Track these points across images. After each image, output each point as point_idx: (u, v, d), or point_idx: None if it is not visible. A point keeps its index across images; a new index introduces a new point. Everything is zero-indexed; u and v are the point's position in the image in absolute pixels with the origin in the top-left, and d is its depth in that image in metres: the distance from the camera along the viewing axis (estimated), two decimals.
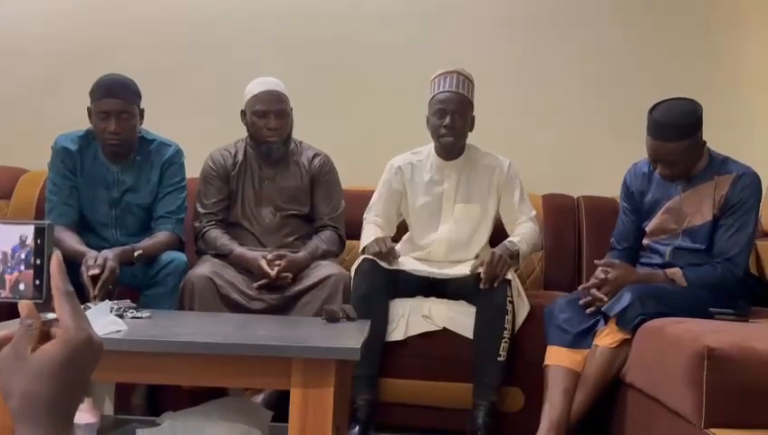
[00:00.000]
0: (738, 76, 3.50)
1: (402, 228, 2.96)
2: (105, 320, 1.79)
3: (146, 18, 3.57)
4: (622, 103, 3.43)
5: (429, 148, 2.89)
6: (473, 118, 2.83)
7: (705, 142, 2.49)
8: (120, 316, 1.99)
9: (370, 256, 2.69)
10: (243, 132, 2.95)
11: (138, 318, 2.05)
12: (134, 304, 2.16)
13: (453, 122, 2.74)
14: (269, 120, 2.79)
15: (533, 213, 2.85)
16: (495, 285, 2.56)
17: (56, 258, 0.83)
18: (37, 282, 0.84)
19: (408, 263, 2.75)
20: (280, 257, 2.67)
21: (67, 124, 2.83)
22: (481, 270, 2.58)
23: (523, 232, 2.77)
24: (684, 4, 3.53)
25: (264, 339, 1.83)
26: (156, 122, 2.88)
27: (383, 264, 2.66)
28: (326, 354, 1.74)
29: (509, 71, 3.56)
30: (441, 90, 2.76)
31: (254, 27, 3.57)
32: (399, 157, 2.93)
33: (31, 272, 0.84)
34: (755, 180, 2.49)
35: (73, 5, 3.57)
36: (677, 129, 2.40)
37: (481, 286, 2.56)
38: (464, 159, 2.85)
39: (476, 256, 2.75)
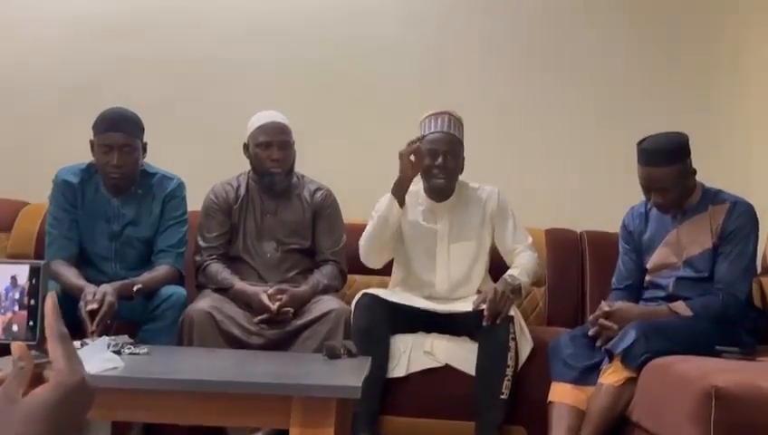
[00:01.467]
0: (737, 115, 3.50)
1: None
2: (102, 357, 1.77)
3: (149, 51, 3.58)
4: (625, 137, 3.38)
5: (419, 187, 2.86)
6: (463, 159, 2.81)
7: (695, 171, 2.54)
8: (118, 352, 1.96)
9: (370, 292, 2.66)
10: (245, 166, 2.94)
11: (135, 354, 2.02)
12: (132, 340, 2.14)
13: (445, 163, 2.73)
14: (272, 151, 2.79)
15: (530, 240, 2.83)
16: (498, 321, 2.53)
17: (51, 299, 0.81)
18: (31, 323, 0.82)
19: (409, 298, 2.72)
20: (281, 292, 2.65)
21: (70, 156, 2.83)
22: (483, 307, 2.55)
23: (522, 262, 2.75)
24: (687, 38, 3.54)
25: (264, 377, 1.81)
26: (158, 155, 2.88)
27: (377, 293, 2.62)
28: (326, 392, 1.71)
29: (511, 105, 3.56)
30: (432, 130, 2.76)
31: (256, 60, 3.58)
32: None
33: (25, 313, 0.82)
34: (750, 209, 2.53)
35: (76, 39, 3.59)
36: (665, 153, 2.46)
37: (484, 323, 2.53)
38: (455, 199, 2.84)
39: (479, 291, 2.72)
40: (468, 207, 2.83)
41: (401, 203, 2.73)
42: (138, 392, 1.75)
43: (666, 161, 2.46)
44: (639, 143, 2.53)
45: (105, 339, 1.90)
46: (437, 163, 2.73)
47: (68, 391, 0.76)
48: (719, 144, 3.30)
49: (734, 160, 3.35)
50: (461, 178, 2.87)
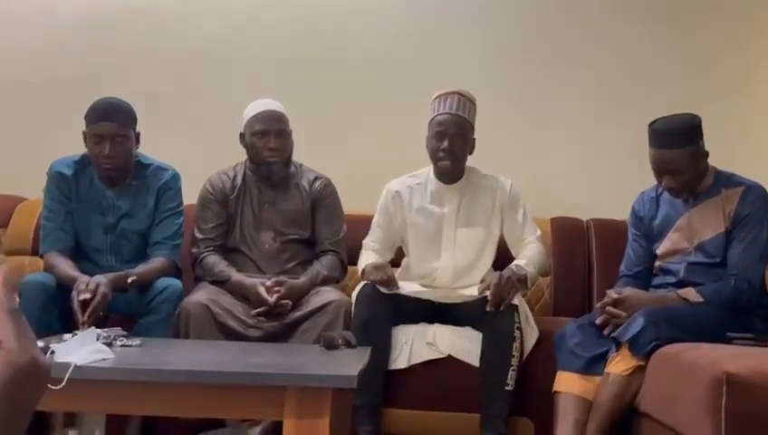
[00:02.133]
0: (747, 94, 3.42)
1: (401, 252, 2.87)
2: (90, 348, 1.71)
3: (145, 42, 3.54)
4: (632, 124, 3.32)
5: (428, 171, 2.81)
6: (473, 141, 2.75)
7: (707, 153, 2.47)
8: (109, 344, 1.91)
9: (372, 281, 2.60)
10: (242, 157, 2.89)
11: (127, 346, 1.97)
12: (125, 332, 2.08)
13: (451, 146, 2.67)
14: (269, 139, 2.73)
15: (538, 233, 2.77)
16: (502, 308, 2.47)
17: (1, 272, 0.75)
18: None
19: (411, 288, 2.66)
20: (279, 284, 2.60)
21: (66, 151, 2.78)
22: (488, 293, 2.49)
23: (529, 254, 2.68)
24: (693, 24, 3.47)
25: (256, 367, 1.75)
26: (154, 147, 2.83)
27: (384, 289, 2.57)
28: (321, 383, 1.65)
29: (516, 92, 3.50)
30: (440, 112, 2.69)
31: (253, 51, 3.53)
32: (396, 181, 2.85)
33: None
34: (764, 193, 2.46)
35: (71, 32, 3.55)
36: (678, 134, 2.40)
37: (488, 309, 2.47)
38: (464, 183, 2.77)
39: (482, 280, 2.65)
40: (478, 193, 2.77)
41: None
42: (129, 384, 1.69)
43: (678, 143, 2.39)
44: (651, 124, 2.46)
45: (94, 330, 1.84)
46: (443, 146, 2.66)
47: (17, 370, 0.71)
48: (727, 127, 3.21)
49: (742, 144, 3.27)
50: (473, 165, 2.80)
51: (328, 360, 1.94)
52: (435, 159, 2.71)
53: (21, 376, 0.71)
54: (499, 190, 2.76)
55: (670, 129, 2.40)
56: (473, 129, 2.73)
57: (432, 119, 2.70)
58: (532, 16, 3.52)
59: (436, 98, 2.73)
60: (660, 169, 2.44)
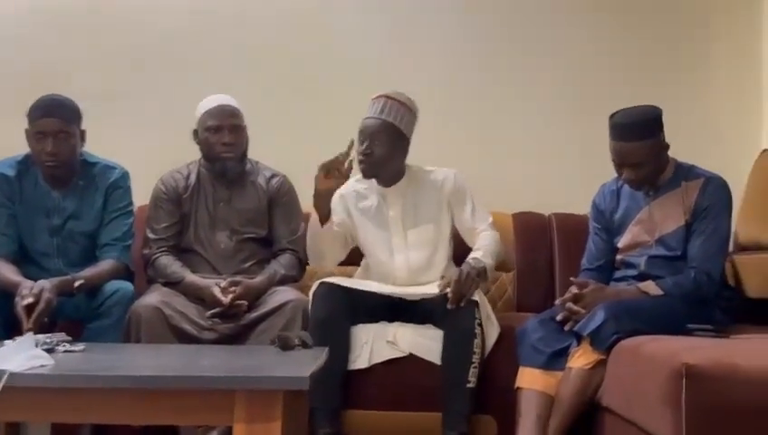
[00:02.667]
0: (706, 88, 3.43)
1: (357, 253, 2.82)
2: (27, 354, 1.63)
3: (96, 41, 3.43)
4: (592, 119, 3.28)
5: None
6: (403, 144, 2.65)
7: (668, 146, 2.45)
8: (51, 350, 1.82)
9: (328, 280, 2.54)
10: (195, 155, 2.81)
11: (70, 352, 1.88)
12: (69, 338, 1.99)
13: (369, 149, 2.59)
14: (223, 135, 2.66)
15: (490, 220, 2.71)
16: (463, 304, 2.42)
17: None
18: None
19: (370, 284, 2.60)
20: (234, 284, 2.53)
21: (15, 152, 2.66)
22: (449, 290, 2.44)
23: (485, 244, 2.64)
24: (653, 19, 3.46)
25: (204, 370, 1.68)
26: (105, 146, 2.75)
27: (337, 281, 2.51)
28: (271, 384, 1.59)
29: (476, 88, 3.45)
30: (366, 115, 2.64)
31: (206, 48, 3.44)
32: (343, 185, 2.77)
33: None
34: (724, 184, 2.45)
35: (23, 30, 3.43)
36: (638, 127, 2.37)
37: (449, 306, 2.42)
38: (405, 183, 2.70)
39: (442, 277, 2.61)
40: (422, 191, 2.71)
41: (323, 217, 2.57)
42: (70, 392, 1.61)
43: (638, 136, 2.37)
44: (611, 117, 2.43)
45: (32, 335, 1.76)
46: (361, 150, 2.60)
47: None
48: (688, 122, 3.21)
49: (703, 137, 3.26)
50: (414, 160, 2.75)
51: (282, 361, 1.88)
52: (358, 162, 2.64)
53: None
54: (444, 183, 2.70)
55: (630, 121, 2.38)
56: (399, 132, 2.63)
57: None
58: (492, 13, 3.49)
59: (370, 101, 2.67)
60: (621, 162, 2.42)
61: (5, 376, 1.53)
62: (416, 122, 2.70)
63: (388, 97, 2.64)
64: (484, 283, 2.60)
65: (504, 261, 3.03)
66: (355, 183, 2.76)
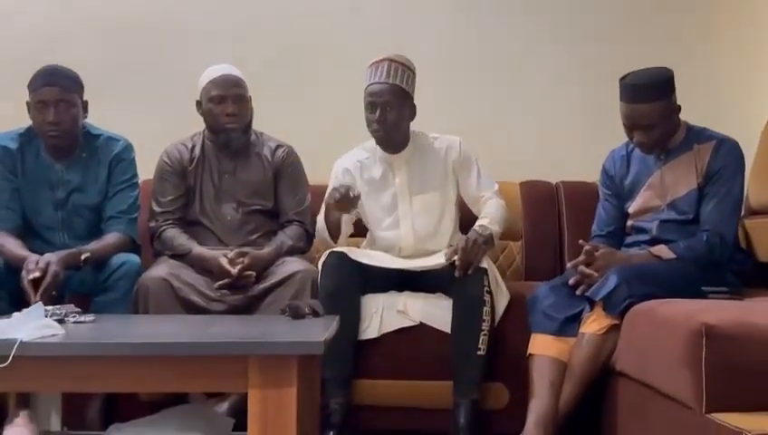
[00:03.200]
0: (715, 50, 3.39)
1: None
2: (37, 323, 1.60)
3: (96, 12, 3.39)
4: (599, 86, 3.28)
5: (374, 142, 2.71)
6: (412, 107, 2.64)
7: (679, 108, 2.42)
8: (61, 321, 1.80)
9: (337, 250, 2.52)
10: (199, 127, 2.78)
11: (80, 323, 1.86)
12: (78, 309, 1.97)
13: (383, 116, 2.56)
14: (227, 105, 2.62)
15: (496, 187, 2.70)
16: (470, 271, 2.40)
17: None
18: None
19: (379, 257, 2.58)
20: (242, 255, 2.50)
21: (14, 126, 2.62)
22: (456, 257, 2.42)
23: (491, 211, 2.62)
24: None
25: (217, 336, 1.66)
26: (108, 119, 2.71)
27: (346, 250, 2.50)
28: (286, 350, 1.57)
29: (481, 56, 3.42)
30: (371, 81, 2.59)
31: (209, 18, 3.41)
32: (346, 157, 2.76)
33: None
34: (736, 147, 2.41)
35: (23, 2, 3.38)
36: (650, 88, 2.34)
37: (456, 274, 2.40)
38: (411, 150, 2.68)
39: (450, 245, 2.58)
40: (427, 158, 2.68)
41: (333, 235, 2.63)
42: (82, 361, 1.59)
43: (650, 97, 2.33)
44: (622, 79, 2.40)
45: (41, 305, 1.73)
46: (375, 117, 2.57)
47: None
48: (697, 85, 3.17)
49: (712, 101, 3.22)
50: (419, 129, 2.72)
51: (294, 328, 1.85)
52: (370, 130, 2.62)
53: None
54: (449, 151, 2.68)
55: (642, 82, 2.34)
56: (408, 95, 2.61)
57: (365, 89, 2.59)
58: None
59: (368, 66, 2.62)
60: (632, 125, 2.38)
61: (16, 345, 1.51)
62: (415, 80, 2.67)
63: (391, 60, 2.60)
64: (491, 250, 2.58)
65: (512, 230, 3.02)
66: (357, 153, 2.73)
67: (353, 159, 2.73)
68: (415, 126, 2.72)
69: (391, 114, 2.57)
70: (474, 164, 2.69)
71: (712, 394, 1.65)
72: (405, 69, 2.61)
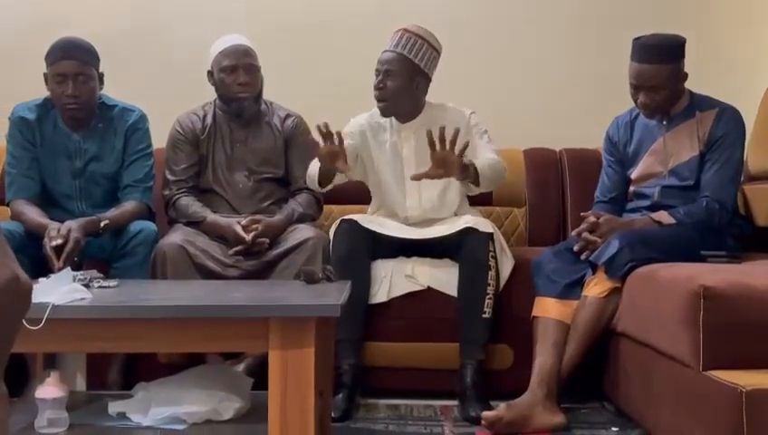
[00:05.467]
0: (716, 18, 3.42)
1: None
2: (67, 288, 1.68)
3: None
4: (602, 53, 3.34)
5: None
6: (420, 80, 2.62)
7: (686, 75, 2.47)
8: (86, 286, 1.87)
9: (349, 217, 2.59)
10: (210, 97, 2.83)
11: (105, 287, 1.94)
12: (101, 275, 2.04)
13: (383, 82, 2.59)
14: (238, 74, 2.67)
15: (497, 154, 2.63)
16: (456, 151, 2.35)
17: None
18: None
19: (387, 225, 2.64)
20: (255, 222, 2.57)
21: (27, 97, 2.68)
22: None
23: (487, 157, 2.56)
24: None
25: (239, 300, 1.74)
26: (120, 89, 2.76)
27: (356, 218, 2.55)
28: (305, 312, 1.64)
29: (484, 23, 3.45)
30: (385, 49, 2.63)
31: None
32: (362, 116, 2.76)
33: None
34: (738, 115, 2.47)
35: None
36: (663, 50, 2.40)
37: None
38: (422, 120, 2.68)
39: (455, 215, 2.63)
40: (436, 130, 2.72)
41: (324, 183, 2.59)
42: (109, 323, 1.66)
43: (661, 59, 2.40)
44: (636, 39, 2.46)
45: (69, 270, 1.81)
46: (375, 83, 2.60)
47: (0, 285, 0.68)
48: (699, 53, 3.20)
49: (713, 68, 3.26)
50: (450, 99, 2.74)
51: (310, 292, 1.93)
52: (375, 97, 2.64)
53: (3, 292, 0.68)
54: (459, 122, 2.65)
55: (654, 42, 2.41)
56: (415, 66, 2.59)
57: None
58: None
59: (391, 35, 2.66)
60: (639, 85, 2.43)
61: (49, 308, 1.58)
62: (437, 58, 2.68)
63: (406, 30, 2.64)
64: (466, 180, 2.50)
65: (516, 196, 3.10)
66: (371, 116, 2.75)
67: (369, 121, 2.74)
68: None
69: (392, 82, 2.59)
70: (481, 135, 2.67)
71: (709, 353, 1.73)
72: (421, 41, 2.61)
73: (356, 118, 2.78)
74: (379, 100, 2.63)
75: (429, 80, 2.68)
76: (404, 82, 2.61)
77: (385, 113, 2.68)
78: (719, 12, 3.42)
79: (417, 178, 2.47)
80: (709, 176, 2.43)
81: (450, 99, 2.81)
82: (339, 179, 2.64)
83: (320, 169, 2.55)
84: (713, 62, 3.30)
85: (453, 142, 2.38)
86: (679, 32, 2.54)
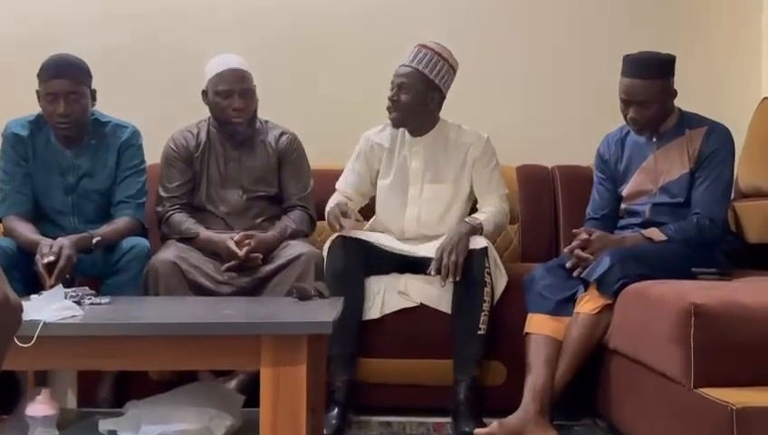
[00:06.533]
0: (706, 37, 3.45)
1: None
2: (58, 305, 1.68)
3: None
4: (595, 71, 3.36)
5: None
6: (434, 96, 2.66)
7: (676, 93, 2.50)
8: (78, 303, 1.87)
9: (343, 234, 2.59)
10: (204, 113, 2.84)
11: (96, 304, 1.94)
12: (93, 291, 2.05)
13: (396, 95, 2.62)
14: (233, 100, 2.68)
15: (505, 191, 2.74)
16: (458, 278, 2.44)
17: None
18: None
19: (381, 238, 2.66)
20: (248, 237, 2.57)
21: (22, 112, 2.68)
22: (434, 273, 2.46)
23: (490, 210, 2.65)
24: None
25: (230, 317, 1.74)
26: (113, 106, 2.76)
27: (350, 233, 2.57)
28: (297, 329, 1.64)
29: (478, 39, 3.46)
30: (402, 63, 2.66)
31: (215, 4, 3.45)
32: (375, 130, 2.80)
33: None
34: (727, 133, 2.50)
35: None
36: (652, 65, 2.44)
37: (441, 284, 2.46)
38: (434, 136, 2.72)
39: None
40: (448, 148, 2.72)
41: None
42: (100, 340, 1.67)
43: (651, 74, 2.43)
44: (627, 56, 2.50)
45: (61, 287, 1.81)
46: (389, 95, 2.64)
47: None
48: (689, 71, 3.23)
49: (703, 86, 3.29)
50: (448, 119, 2.77)
51: (302, 309, 1.93)
52: (387, 108, 2.68)
53: None
54: (473, 146, 2.71)
55: (645, 58, 2.45)
56: (432, 83, 2.64)
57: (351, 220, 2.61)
58: None
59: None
60: (629, 100, 2.46)
61: (40, 326, 1.58)
62: (453, 75, 2.71)
63: (423, 46, 2.67)
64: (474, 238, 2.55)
65: (509, 213, 3.09)
66: (384, 128, 2.78)
67: (382, 133, 2.77)
68: None
69: (405, 96, 2.62)
70: (491, 163, 2.71)
71: (700, 370, 1.73)
72: (438, 58, 2.64)
73: (369, 133, 2.80)
74: (391, 112, 2.66)
75: (444, 96, 2.71)
76: (417, 96, 2.64)
77: (396, 124, 2.70)
78: (709, 32, 3.45)
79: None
80: (699, 193, 2.45)
81: (444, 115, 2.81)
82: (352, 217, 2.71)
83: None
84: (702, 80, 3.33)
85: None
86: (670, 51, 2.57)
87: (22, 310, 0.72)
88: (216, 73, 2.70)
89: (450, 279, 2.44)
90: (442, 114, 2.80)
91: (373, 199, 2.82)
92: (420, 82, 2.63)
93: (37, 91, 2.56)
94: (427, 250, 2.60)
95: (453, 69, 2.70)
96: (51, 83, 2.50)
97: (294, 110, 3.16)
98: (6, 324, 0.70)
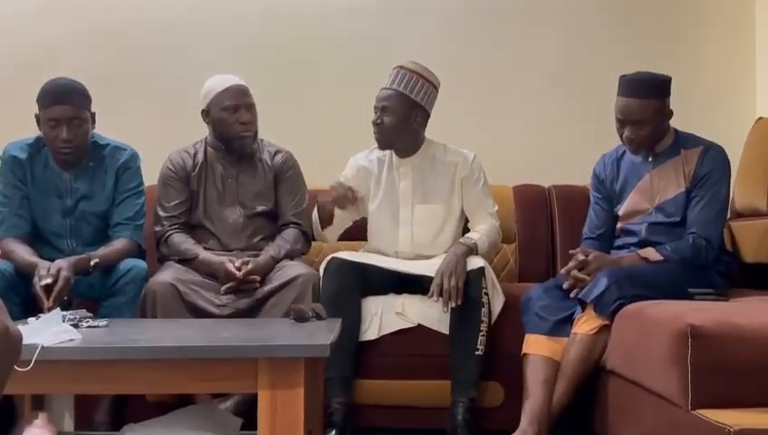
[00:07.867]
0: (700, 57, 3.47)
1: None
2: (56, 329, 1.68)
3: (98, 21, 3.45)
4: (590, 92, 3.38)
5: None
6: (418, 115, 2.67)
7: (671, 113, 2.52)
8: (76, 326, 1.87)
9: (338, 255, 2.60)
10: (200, 134, 2.86)
11: (94, 327, 1.94)
12: (90, 314, 2.05)
13: (380, 118, 2.65)
14: (240, 114, 2.71)
15: (495, 209, 2.75)
16: (459, 302, 2.45)
17: None
18: None
19: (377, 259, 2.66)
20: (245, 263, 2.57)
21: (21, 134, 2.69)
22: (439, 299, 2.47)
23: (484, 228, 2.67)
24: None
25: (227, 340, 1.74)
26: (110, 128, 2.78)
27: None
28: (294, 353, 1.65)
29: (474, 60, 3.49)
30: (383, 86, 2.69)
31: (209, 27, 3.47)
32: (361, 154, 2.83)
33: None
34: (722, 153, 2.52)
35: (23, 14, 3.44)
36: (648, 85, 2.46)
37: (444, 310, 2.46)
38: (420, 157, 2.73)
39: (446, 252, 2.65)
40: (436, 169, 2.74)
41: (325, 223, 2.75)
42: (99, 364, 1.67)
43: (646, 94, 2.45)
44: (623, 76, 2.52)
45: (59, 311, 1.81)
46: (374, 120, 2.66)
47: None
48: (683, 91, 3.26)
49: (698, 106, 3.31)
50: (441, 136, 2.78)
51: (299, 331, 1.94)
52: (374, 132, 2.70)
53: None
54: (460, 165, 2.73)
55: (641, 78, 2.47)
56: (412, 102, 2.65)
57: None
58: None
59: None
60: (624, 119, 2.48)
61: (38, 350, 1.58)
62: (435, 92, 2.73)
63: (401, 67, 2.69)
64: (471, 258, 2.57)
65: (506, 233, 3.09)
66: (371, 152, 2.80)
67: (368, 157, 2.80)
68: None
69: (388, 118, 2.64)
70: (480, 180, 2.74)
71: (697, 392, 1.73)
72: (417, 78, 2.67)
73: (355, 157, 2.83)
74: (376, 135, 2.68)
75: (428, 114, 2.72)
76: (401, 118, 2.66)
77: (382, 146, 2.72)
78: (705, 52, 3.48)
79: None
80: (695, 213, 2.46)
81: (439, 135, 2.83)
82: (340, 223, 2.75)
83: (318, 205, 2.65)
84: (697, 100, 3.35)
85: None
86: (665, 71, 2.59)
87: (21, 340, 0.73)
88: (221, 90, 2.72)
89: (452, 304, 2.44)
90: (438, 134, 2.81)
91: (365, 226, 2.83)
92: (402, 104, 2.65)
93: (36, 115, 2.57)
94: (424, 268, 2.61)
95: (434, 86, 2.72)
96: (52, 110, 2.51)
97: (289, 131, 3.16)
98: (7, 354, 0.71)
